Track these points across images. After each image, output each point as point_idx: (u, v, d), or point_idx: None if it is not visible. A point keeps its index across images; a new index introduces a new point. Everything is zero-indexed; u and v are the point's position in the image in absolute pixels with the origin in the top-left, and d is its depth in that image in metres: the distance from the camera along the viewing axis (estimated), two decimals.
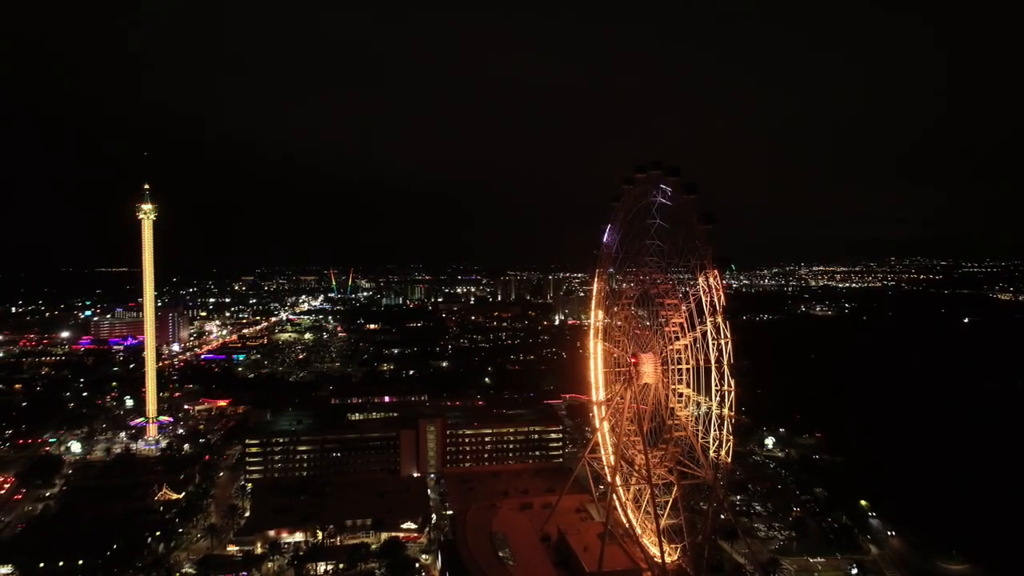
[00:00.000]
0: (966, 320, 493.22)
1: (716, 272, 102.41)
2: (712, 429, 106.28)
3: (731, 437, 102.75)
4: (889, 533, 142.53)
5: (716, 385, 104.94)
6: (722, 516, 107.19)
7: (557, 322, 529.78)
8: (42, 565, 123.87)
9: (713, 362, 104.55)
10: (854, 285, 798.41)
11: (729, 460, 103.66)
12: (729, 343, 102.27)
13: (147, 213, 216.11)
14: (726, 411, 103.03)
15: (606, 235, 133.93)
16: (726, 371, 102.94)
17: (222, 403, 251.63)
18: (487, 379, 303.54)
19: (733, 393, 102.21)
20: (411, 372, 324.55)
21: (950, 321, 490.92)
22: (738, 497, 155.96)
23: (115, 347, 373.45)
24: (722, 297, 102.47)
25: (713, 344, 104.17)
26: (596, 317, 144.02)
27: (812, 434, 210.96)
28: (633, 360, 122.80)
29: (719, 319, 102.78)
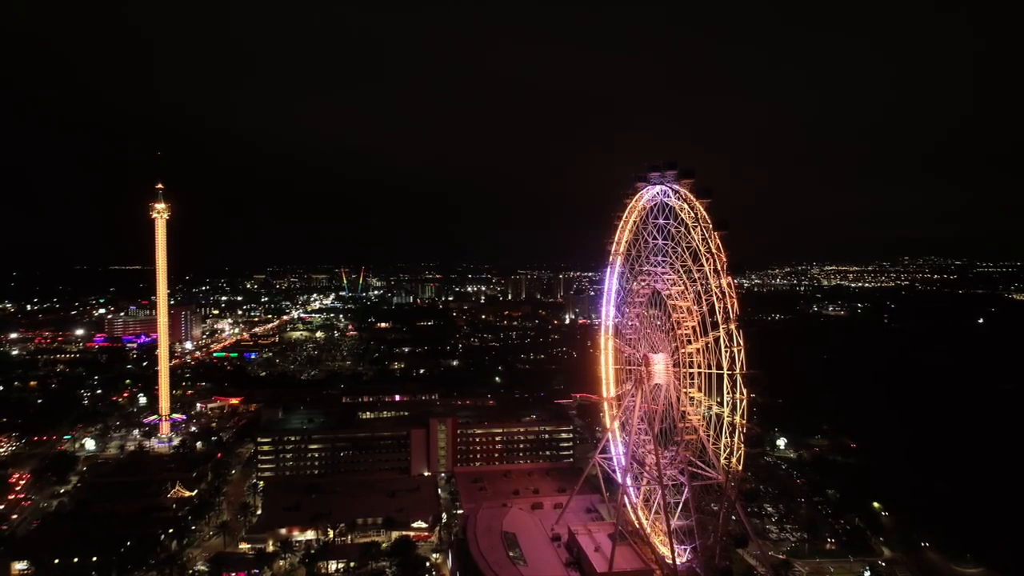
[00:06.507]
0: (981, 320, 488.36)
1: (730, 278, 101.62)
2: (723, 436, 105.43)
3: (742, 445, 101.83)
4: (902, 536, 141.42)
5: (728, 393, 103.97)
6: (733, 518, 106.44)
7: (567, 321, 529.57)
8: (57, 561, 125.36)
9: (726, 369, 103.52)
10: (867, 285, 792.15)
11: (740, 468, 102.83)
12: (742, 351, 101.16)
13: (160, 212, 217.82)
14: (738, 419, 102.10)
15: (617, 233, 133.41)
16: (738, 379, 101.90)
17: (234, 401, 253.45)
18: (497, 378, 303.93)
19: (745, 401, 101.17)
20: (422, 371, 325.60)
21: (965, 321, 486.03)
22: (750, 508, 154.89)
23: (129, 345, 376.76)
24: (735, 304, 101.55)
25: (726, 351, 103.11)
26: (607, 315, 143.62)
27: (824, 435, 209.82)
28: (644, 360, 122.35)
29: (732, 326, 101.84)
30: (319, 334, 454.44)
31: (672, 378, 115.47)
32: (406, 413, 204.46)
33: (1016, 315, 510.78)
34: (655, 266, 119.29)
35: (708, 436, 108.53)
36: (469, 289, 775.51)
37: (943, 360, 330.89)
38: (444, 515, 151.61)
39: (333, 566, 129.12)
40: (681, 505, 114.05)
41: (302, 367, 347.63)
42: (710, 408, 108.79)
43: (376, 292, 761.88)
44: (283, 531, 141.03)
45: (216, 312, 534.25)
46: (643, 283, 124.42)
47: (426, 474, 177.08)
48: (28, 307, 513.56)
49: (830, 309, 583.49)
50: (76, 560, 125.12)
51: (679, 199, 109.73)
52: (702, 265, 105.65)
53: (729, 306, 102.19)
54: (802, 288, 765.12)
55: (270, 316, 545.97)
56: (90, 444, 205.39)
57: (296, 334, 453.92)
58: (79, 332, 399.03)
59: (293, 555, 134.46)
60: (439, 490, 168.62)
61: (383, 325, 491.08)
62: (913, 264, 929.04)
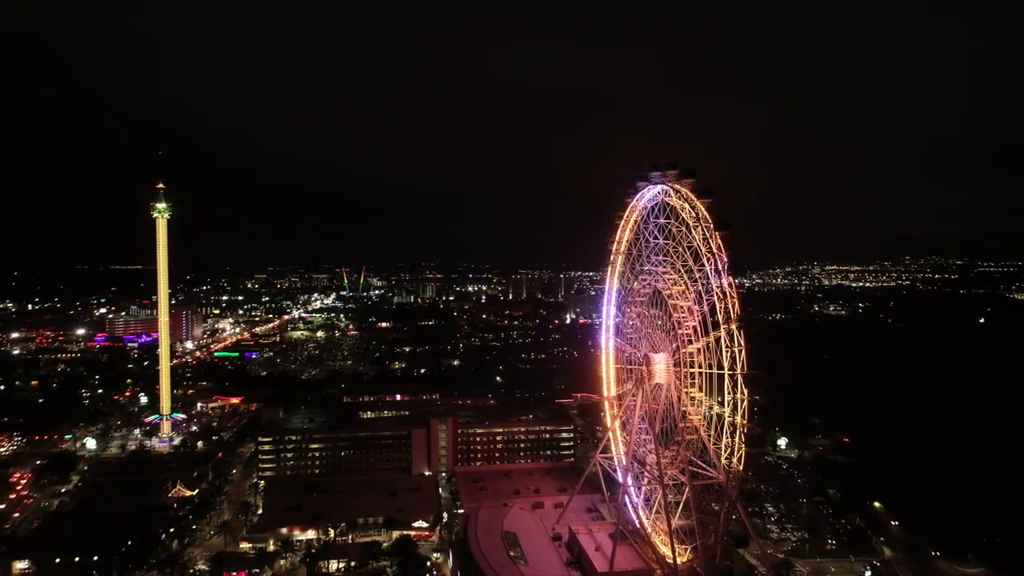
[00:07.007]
0: (982, 320, 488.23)
1: (731, 278, 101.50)
2: (724, 435, 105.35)
3: (743, 446, 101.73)
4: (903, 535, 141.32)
5: (729, 392, 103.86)
6: (734, 518, 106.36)
7: (568, 321, 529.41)
8: (58, 560, 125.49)
9: (726, 369, 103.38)
10: (868, 284, 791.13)
11: (741, 467, 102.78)
12: (743, 351, 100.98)
13: (161, 212, 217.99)
14: (739, 419, 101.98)
15: (618, 233, 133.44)
16: (739, 379, 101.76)
17: (235, 401, 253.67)
18: (498, 378, 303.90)
19: (746, 401, 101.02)
20: (422, 371, 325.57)
21: (965, 321, 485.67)
22: (751, 507, 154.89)
23: (130, 344, 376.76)
24: (736, 304, 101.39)
25: (727, 351, 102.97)
26: (608, 314, 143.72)
27: (826, 435, 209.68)
28: (645, 359, 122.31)
29: (733, 326, 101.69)
30: (320, 334, 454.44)
31: (673, 378, 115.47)
32: (407, 413, 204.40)
33: (1017, 315, 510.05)
34: (656, 265, 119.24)
35: (709, 436, 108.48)
36: (470, 289, 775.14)
37: (944, 360, 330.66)
38: (445, 515, 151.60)
39: (334, 565, 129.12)
40: (682, 505, 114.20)
41: (303, 367, 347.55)
42: (711, 408, 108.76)
43: (377, 292, 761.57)
44: (284, 530, 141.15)
45: (217, 312, 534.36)
46: (644, 282, 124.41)
47: (427, 474, 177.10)
48: (29, 307, 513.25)
49: (831, 309, 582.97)
50: (77, 559, 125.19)
51: (680, 199, 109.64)
52: (703, 265, 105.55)
53: (730, 306, 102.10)
54: (803, 288, 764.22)
55: (271, 316, 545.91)
56: (91, 443, 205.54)
57: (297, 334, 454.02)
58: (80, 332, 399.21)
59: (294, 554, 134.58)
60: (440, 490, 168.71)
61: (384, 325, 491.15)
62: (914, 264, 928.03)
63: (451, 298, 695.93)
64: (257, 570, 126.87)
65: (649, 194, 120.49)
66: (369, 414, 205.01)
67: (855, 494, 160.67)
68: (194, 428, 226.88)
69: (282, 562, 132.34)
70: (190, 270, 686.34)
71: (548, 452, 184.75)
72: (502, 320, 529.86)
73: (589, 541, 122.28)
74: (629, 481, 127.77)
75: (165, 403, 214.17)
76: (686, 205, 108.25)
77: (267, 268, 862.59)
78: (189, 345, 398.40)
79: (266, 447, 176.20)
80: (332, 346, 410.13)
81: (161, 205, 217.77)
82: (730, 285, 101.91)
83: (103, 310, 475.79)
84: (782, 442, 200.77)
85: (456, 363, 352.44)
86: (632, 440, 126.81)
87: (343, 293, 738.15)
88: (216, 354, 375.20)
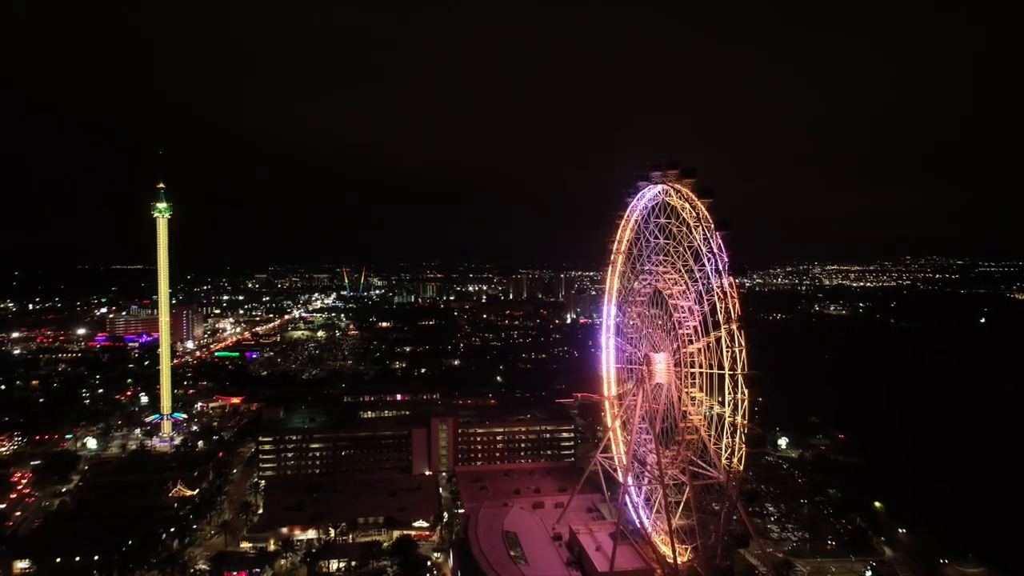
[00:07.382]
0: (982, 320, 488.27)
1: (731, 278, 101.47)
2: (725, 435, 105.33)
3: (743, 446, 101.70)
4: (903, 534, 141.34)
5: (729, 393, 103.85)
6: (734, 518, 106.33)
7: (569, 320, 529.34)
8: (59, 560, 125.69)
9: (727, 369, 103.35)
10: (868, 284, 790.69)
11: (741, 467, 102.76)
12: (744, 351, 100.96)
13: (162, 212, 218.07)
14: (739, 419, 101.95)
15: (619, 232, 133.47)
16: (740, 379, 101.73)
17: (236, 400, 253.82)
18: (499, 377, 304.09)
19: (746, 401, 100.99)
20: (423, 370, 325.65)
21: (966, 321, 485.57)
22: (752, 507, 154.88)
23: (130, 344, 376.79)
24: (737, 304, 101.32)
25: (727, 351, 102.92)
26: (608, 314, 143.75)
27: (826, 435, 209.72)
28: (645, 359, 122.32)
29: (733, 326, 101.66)
30: (320, 333, 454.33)
31: (673, 378, 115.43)
32: (407, 412, 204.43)
33: (1017, 315, 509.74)
34: (656, 265, 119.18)
35: (709, 436, 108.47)
36: (470, 288, 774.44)
37: (944, 360, 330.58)
38: (445, 514, 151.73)
39: (334, 565, 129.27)
40: (682, 504, 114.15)
41: (303, 366, 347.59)
42: (711, 408, 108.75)
43: (377, 291, 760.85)
44: (284, 530, 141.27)
45: (217, 311, 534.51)
46: (644, 282, 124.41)
47: (427, 473, 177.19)
48: (30, 306, 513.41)
49: (831, 309, 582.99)
50: (78, 559, 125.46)
51: (680, 198, 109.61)
52: (703, 265, 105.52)
53: (730, 306, 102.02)
54: (803, 288, 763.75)
55: (271, 315, 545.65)
56: (92, 443, 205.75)
57: (297, 333, 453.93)
58: (81, 331, 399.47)
59: (294, 554, 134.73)
60: (440, 489, 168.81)
61: (384, 324, 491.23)
62: (914, 264, 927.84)
63: (451, 298, 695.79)
64: (257, 570, 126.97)
65: (650, 194, 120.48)
66: (369, 414, 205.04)
67: (855, 494, 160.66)
68: (195, 428, 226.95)
69: (282, 562, 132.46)
70: (190, 270, 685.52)
71: (548, 452, 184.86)
72: (502, 320, 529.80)
73: (589, 541, 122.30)
74: (629, 481, 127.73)
75: (166, 403, 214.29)
76: (686, 205, 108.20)
77: (267, 268, 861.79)
78: (190, 345, 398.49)
79: (266, 447, 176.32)
80: (332, 346, 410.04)
81: (162, 205, 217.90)
82: (730, 285, 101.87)
83: (104, 310, 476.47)
84: (782, 442, 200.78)
85: (456, 363, 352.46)
86: (632, 440, 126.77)
87: (343, 293, 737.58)
88: (217, 354, 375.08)
